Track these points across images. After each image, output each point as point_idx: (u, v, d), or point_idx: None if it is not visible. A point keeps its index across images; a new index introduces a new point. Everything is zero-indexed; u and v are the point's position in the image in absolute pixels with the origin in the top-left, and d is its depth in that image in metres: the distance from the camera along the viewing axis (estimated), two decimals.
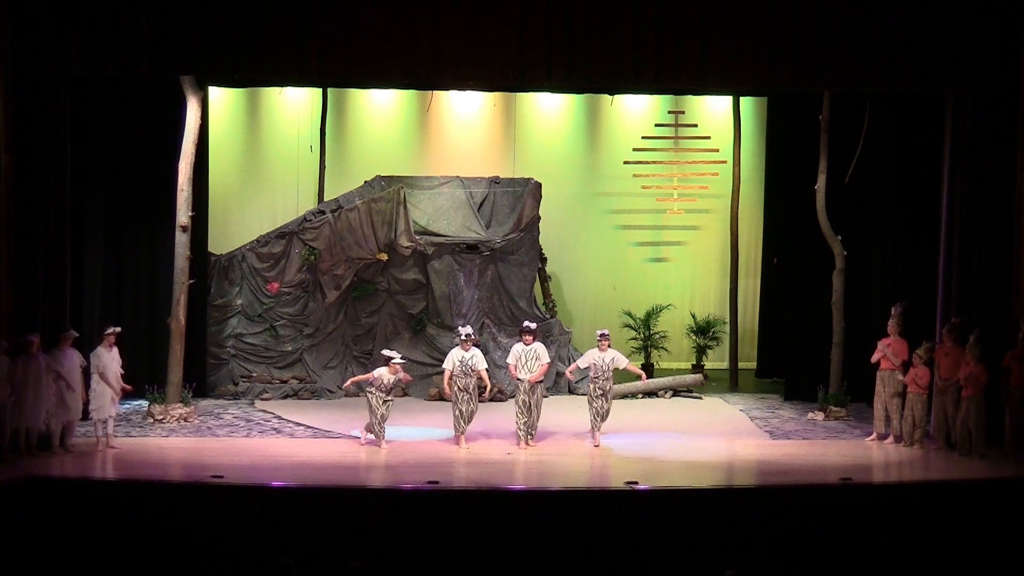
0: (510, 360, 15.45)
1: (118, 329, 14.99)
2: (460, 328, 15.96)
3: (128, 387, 15.08)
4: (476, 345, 18.72)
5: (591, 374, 15.45)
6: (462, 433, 15.24)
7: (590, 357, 15.52)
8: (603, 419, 15.41)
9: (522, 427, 15.22)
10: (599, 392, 15.34)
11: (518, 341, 15.58)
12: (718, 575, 11.16)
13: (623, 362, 15.53)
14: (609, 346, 15.50)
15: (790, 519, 12.45)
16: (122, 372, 14.88)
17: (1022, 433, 14.30)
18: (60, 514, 12.32)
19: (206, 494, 12.57)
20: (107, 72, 15.59)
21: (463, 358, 15.27)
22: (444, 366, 15.45)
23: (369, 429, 15.13)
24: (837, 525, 12.46)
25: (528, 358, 15.26)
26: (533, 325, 15.63)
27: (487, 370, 15.58)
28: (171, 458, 14.47)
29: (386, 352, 15.62)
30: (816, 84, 16.52)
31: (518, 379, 15.23)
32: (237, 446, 15.14)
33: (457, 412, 15.23)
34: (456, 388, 15.19)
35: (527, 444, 15.19)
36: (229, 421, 16.55)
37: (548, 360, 15.47)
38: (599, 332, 15.72)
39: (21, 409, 13.98)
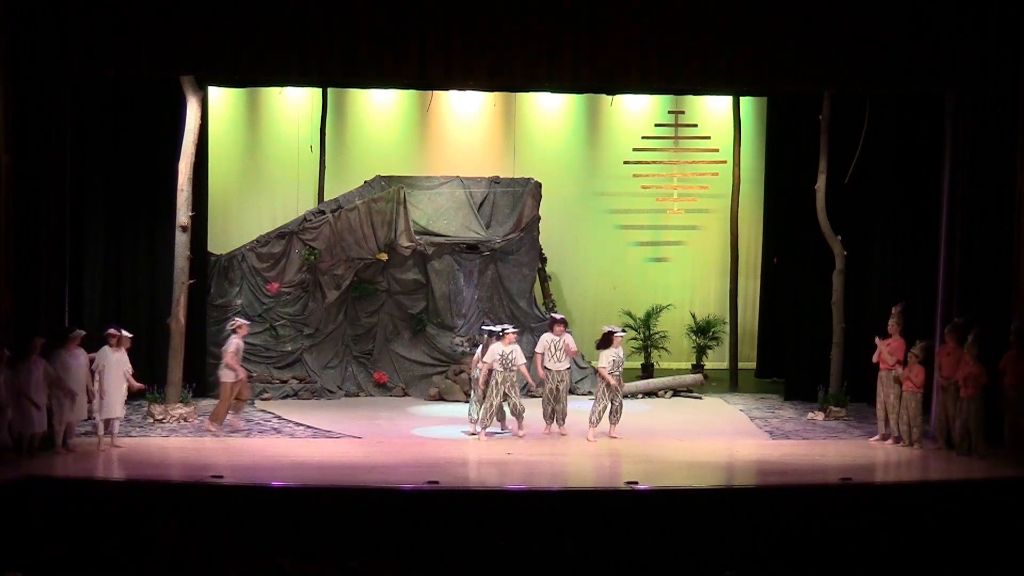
0: (539, 349, 15.84)
1: (113, 330, 14.95)
2: (498, 326, 16.24)
3: (140, 385, 15.12)
4: (475, 346, 18.80)
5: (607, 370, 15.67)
6: (484, 429, 15.63)
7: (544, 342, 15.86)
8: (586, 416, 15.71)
9: (549, 415, 15.75)
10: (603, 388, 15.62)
11: (546, 332, 16.02)
12: (718, 575, 11.18)
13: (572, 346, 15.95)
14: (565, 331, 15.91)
15: (790, 519, 12.45)
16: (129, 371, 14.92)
17: (1019, 433, 14.29)
18: (60, 514, 12.33)
19: (206, 494, 12.57)
20: (107, 73, 15.60)
21: (503, 353, 15.54)
22: (484, 360, 15.67)
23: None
24: (837, 525, 12.47)
25: (557, 348, 15.69)
26: (561, 316, 16.12)
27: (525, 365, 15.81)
28: (171, 458, 14.48)
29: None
30: (816, 84, 16.53)
31: (545, 368, 15.63)
32: (237, 446, 15.14)
33: (488, 405, 15.50)
34: (494, 382, 15.50)
35: (554, 431, 15.71)
36: (229, 421, 16.54)
37: (576, 348, 16.07)
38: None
39: (23, 415, 13.96)
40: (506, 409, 15.80)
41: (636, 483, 12.88)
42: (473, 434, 15.72)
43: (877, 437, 15.65)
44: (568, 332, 16.10)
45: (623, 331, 16.52)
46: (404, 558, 11.67)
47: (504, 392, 15.52)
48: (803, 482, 13.56)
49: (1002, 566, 12.06)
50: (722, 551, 12.05)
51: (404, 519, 12.28)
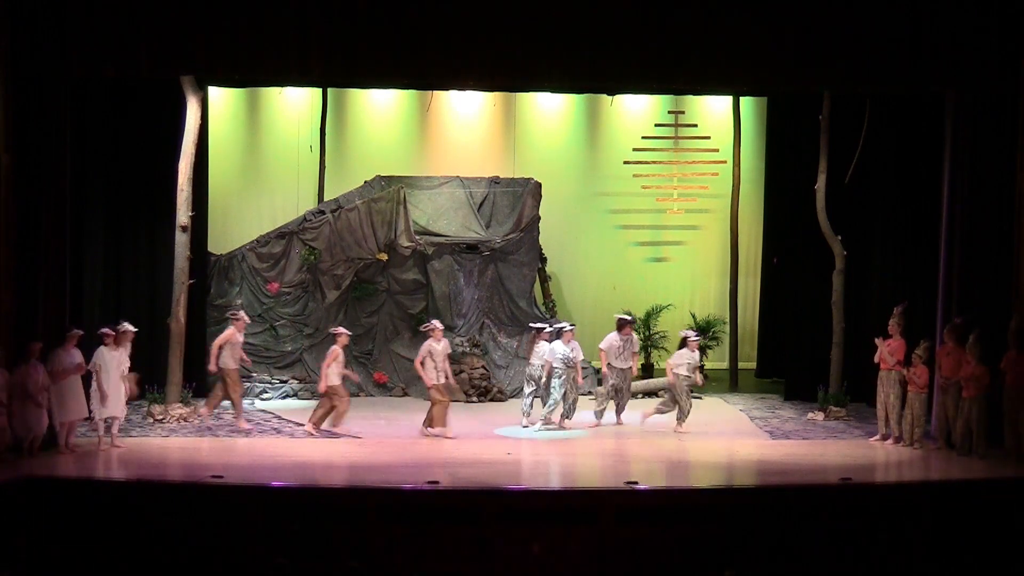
0: (603, 346, 16.54)
1: (108, 330, 14.93)
2: (567, 324, 16.83)
3: (134, 388, 15.09)
4: (475, 346, 18.83)
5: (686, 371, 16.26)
6: (565, 417, 16.34)
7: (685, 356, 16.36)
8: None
9: (602, 411, 16.53)
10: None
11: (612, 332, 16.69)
12: (718, 575, 11.19)
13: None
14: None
15: (790, 519, 12.45)
16: (127, 371, 14.91)
17: (1019, 433, 14.29)
18: (60, 514, 12.33)
19: (206, 494, 12.57)
20: (107, 73, 15.58)
21: (564, 351, 16.19)
22: (546, 357, 16.22)
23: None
24: (837, 525, 12.47)
25: (624, 348, 16.45)
26: (631, 317, 17.12)
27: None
28: (171, 458, 14.47)
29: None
30: (816, 84, 16.53)
31: (610, 366, 16.42)
32: (237, 446, 15.14)
33: (554, 401, 16.15)
34: (558, 378, 16.11)
35: (613, 423, 16.54)
36: (229, 421, 16.52)
37: (638, 350, 16.96)
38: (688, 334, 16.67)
39: (24, 418, 13.95)
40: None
41: (636, 483, 12.88)
42: (549, 426, 16.23)
43: (877, 437, 15.64)
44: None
45: (698, 335, 17.01)
46: (404, 558, 11.68)
47: (565, 388, 16.19)
48: (803, 482, 13.55)
49: (1002, 566, 12.07)
50: (722, 551, 12.06)
51: (404, 519, 12.28)
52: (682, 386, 16.21)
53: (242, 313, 16.41)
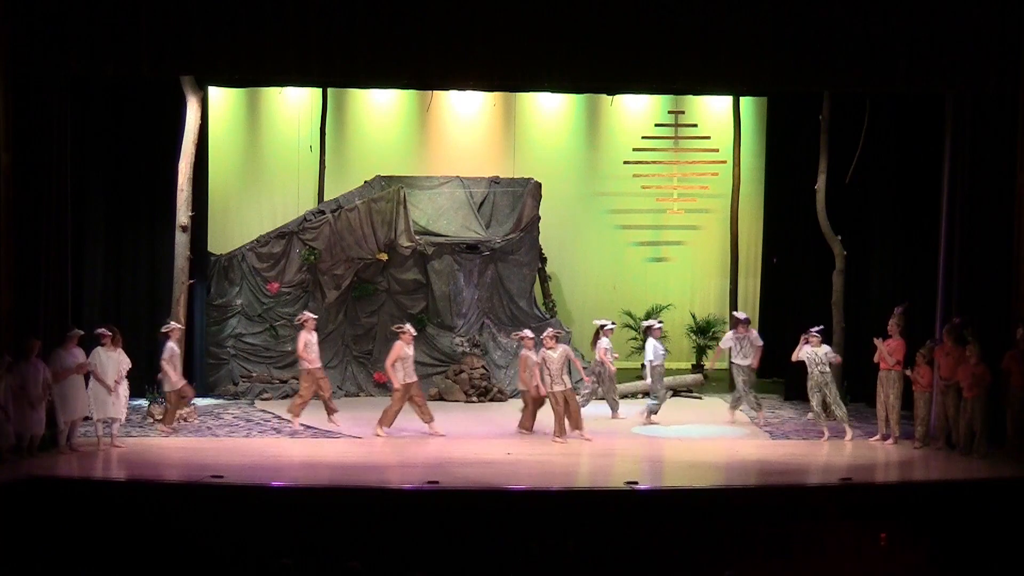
0: (723, 345, 17.10)
1: (105, 330, 14.91)
2: (655, 322, 17.42)
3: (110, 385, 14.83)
4: (475, 346, 18.81)
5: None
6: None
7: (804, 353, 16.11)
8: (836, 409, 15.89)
9: (734, 403, 17.05)
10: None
11: (730, 330, 17.30)
12: (718, 575, 11.19)
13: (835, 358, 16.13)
14: (821, 341, 16.05)
15: (790, 519, 12.45)
16: (124, 371, 14.91)
17: (1021, 433, 14.29)
18: (61, 514, 12.33)
19: (206, 494, 12.57)
20: (107, 72, 15.56)
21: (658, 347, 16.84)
22: (650, 358, 16.73)
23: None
24: (837, 525, 12.47)
25: (743, 345, 16.75)
26: (743, 315, 17.20)
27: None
28: (171, 458, 14.47)
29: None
30: (816, 84, 16.53)
31: (732, 362, 16.88)
32: (237, 446, 15.14)
33: (658, 398, 16.76)
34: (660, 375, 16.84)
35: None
36: (229, 421, 16.55)
37: (761, 343, 16.91)
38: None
39: (22, 416, 13.94)
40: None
41: (636, 483, 12.88)
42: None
43: (877, 437, 15.64)
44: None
45: (817, 329, 16.35)
46: (404, 558, 11.68)
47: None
48: (803, 482, 13.56)
49: (1002, 566, 12.07)
50: (722, 551, 12.06)
51: (404, 519, 12.28)
52: (818, 384, 15.81)
53: (408, 326, 16.07)
